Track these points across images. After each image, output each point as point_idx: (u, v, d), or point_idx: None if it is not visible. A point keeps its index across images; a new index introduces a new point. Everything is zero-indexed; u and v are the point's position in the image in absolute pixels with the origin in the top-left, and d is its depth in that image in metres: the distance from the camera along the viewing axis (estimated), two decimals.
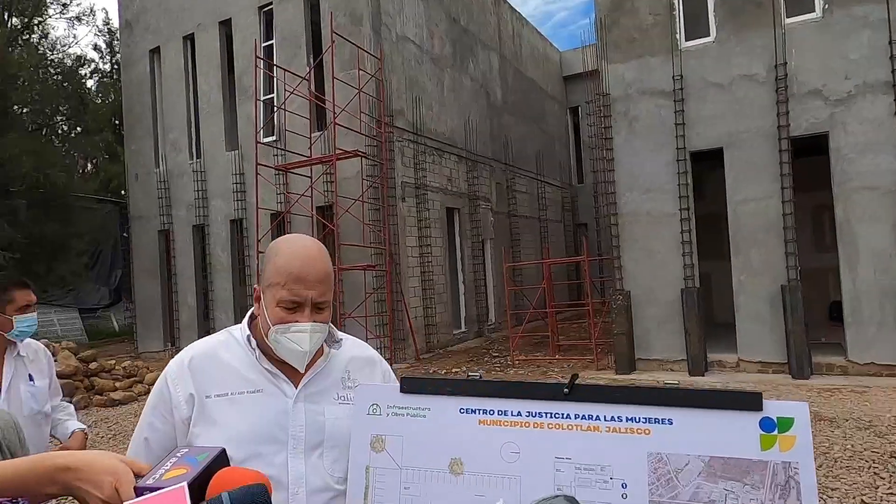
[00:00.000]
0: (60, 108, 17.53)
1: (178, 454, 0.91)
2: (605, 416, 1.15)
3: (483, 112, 15.13)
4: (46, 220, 14.35)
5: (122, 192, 17.44)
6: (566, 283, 18.02)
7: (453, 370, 9.77)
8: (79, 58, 18.31)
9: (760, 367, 7.96)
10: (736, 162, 8.14)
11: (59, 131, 19.46)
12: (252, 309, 1.39)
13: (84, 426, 2.64)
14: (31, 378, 2.28)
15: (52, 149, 16.22)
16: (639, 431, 1.12)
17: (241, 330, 1.37)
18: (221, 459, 0.91)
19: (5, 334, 2.18)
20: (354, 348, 1.47)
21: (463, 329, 13.48)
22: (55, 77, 16.71)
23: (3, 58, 14.16)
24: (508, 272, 11.36)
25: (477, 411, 1.21)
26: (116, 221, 19.60)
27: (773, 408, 1.07)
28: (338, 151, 10.75)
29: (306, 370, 1.34)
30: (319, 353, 1.36)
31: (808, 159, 9.34)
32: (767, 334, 7.89)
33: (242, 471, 0.90)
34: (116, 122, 20.67)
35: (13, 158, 13.67)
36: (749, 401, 1.08)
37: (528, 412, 1.19)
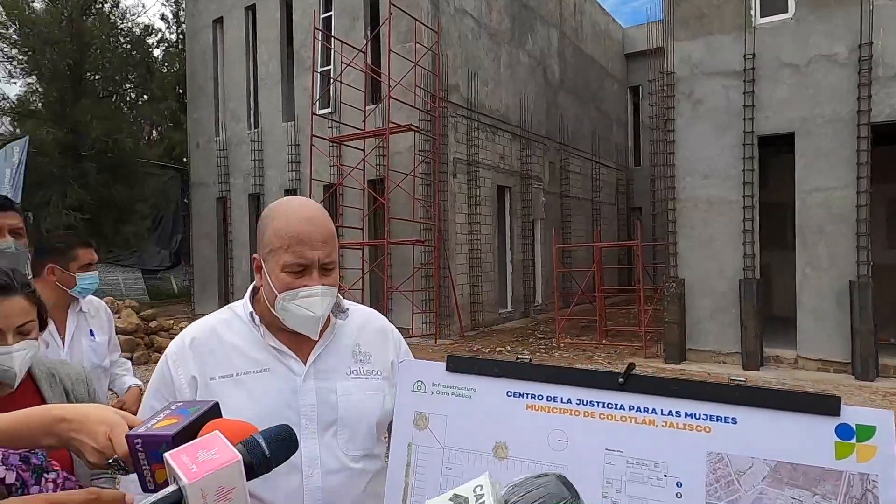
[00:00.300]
0: (129, 76, 18.15)
1: (172, 406, 0.89)
2: (661, 410, 1.08)
3: (539, 90, 14.79)
4: (114, 184, 15.01)
5: (185, 159, 18.02)
6: (616, 267, 17.64)
7: (497, 349, 9.75)
8: (146, 27, 18.84)
9: (820, 366, 7.59)
10: (808, 148, 7.67)
11: (128, 98, 20.20)
12: (254, 283, 1.32)
13: (140, 382, 2.74)
14: (91, 333, 2.36)
15: (121, 115, 16.89)
16: (699, 428, 1.05)
17: (244, 306, 1.28)
18: (213, 412, 0.89)
19: (68, 290, 2.26)
20: (363, 318, 1.39)
21: (509, 309, 13.41)
22: (124, 46, 17.29)
23: (77, 27, 14.75)
24: (558, 253, 11.18)
25: (525, 395, 1.17)
26: (178, 187, 20.32)
27: (853, 414, 0.98)
28: (391, 125, 10.74)
29: (312, 345, 1.27)
30: (326, 324, 1.28)
31: (888, 148, 8.72)
32: (831, 331, 7.49)
33: (232, 421, 0.88)
34: (181, 90, 21.26)
35: (85, 124, 14.32)
36: (825, 404, 0.99)
37: (580, 400, 1.13)
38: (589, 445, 1.10)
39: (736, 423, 1.03)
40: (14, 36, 14.59)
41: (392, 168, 11.03)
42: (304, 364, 1.25)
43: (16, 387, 1.38)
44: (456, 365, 1.22)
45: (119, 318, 9.63)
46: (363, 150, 11.61)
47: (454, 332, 11.27)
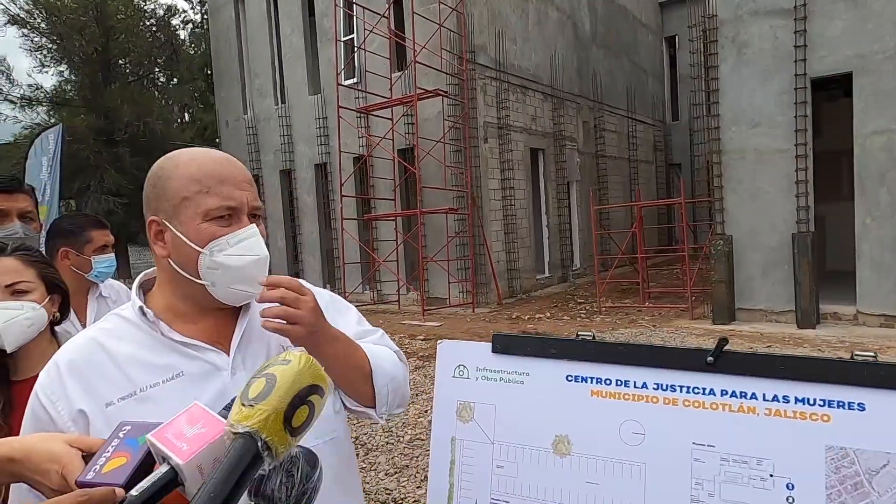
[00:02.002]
0: (156, 58, 18.22)
1: (120, 435, 0.78)
2: (764, 395, 0.87)
3: (570, 45, 14.18)
4: (148, 167, 15.16)
5: (216, 139, 18.09)
6: (656, 227, 17.10)
7: (537, 316, 9.56)
8: (169, 7, 18.84)
9: (884, 321, 7.15)
10: (867, 88, 7.09)
11: (157, 82, 20.34)
12: (139, 277, 1.06)
13: None
14: None
15: (151, 98, 17.00)
16: (814, 417, 0.84)
17: (132, 303, 1.01)
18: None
19: (85, 275, 2.15)
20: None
21: (546, 274, 13.15)
22: (150, 28, 17.31)
23: (101, 11, 14.78)
24: (596, 215, 10.82)
25: (589, 380, 0.97)
26: None
27: None
28: (418, 91, 10.45)
29: (232, 330, 1.01)
30: (234, 308, 1.03)
31: None
32: (895, 284, 7.03)
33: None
34: (208, 71, 21.30)
35: (116, 109, 14.46)
36: None
37: (657, 384, 0.93)
38: (672, 439, 0.91)
39: (864, 409, 0.81)
40: (42, 24, 14.72)
41: (421, 136, 10.77)
42: (228, 354, 0.99)
43: (9, 350, 1.27)
44: (504, 345, 1.03)
45: None
46: (391, 119, 11.37)
47: (492, 300, 11.11)
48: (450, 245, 10.89)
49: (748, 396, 0.88)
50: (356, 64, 12.38)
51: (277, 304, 0.94)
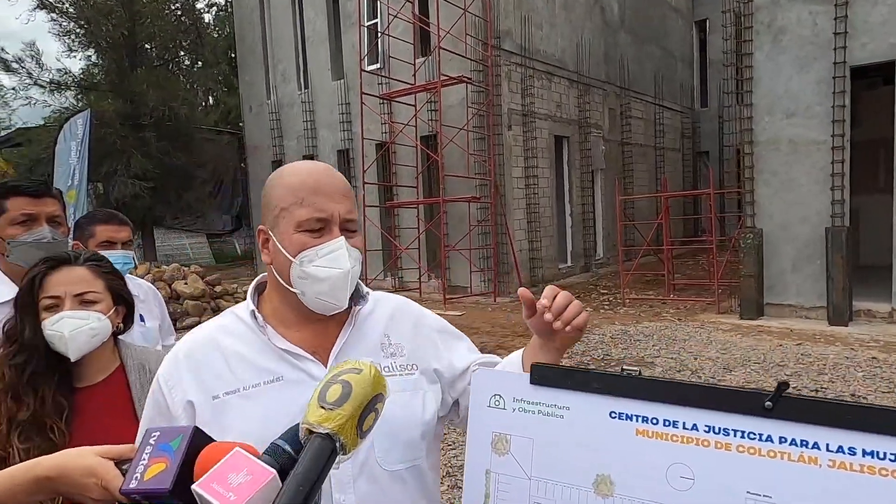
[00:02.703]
0: (182, 42, 18.30)
1: (151, 441, 0.81)
2: (828, 445, 0.80)
3: (597, 30, 13.88)
4: (174, 152, 15.33)
5: (240, 123, 18.20)
6: (682, 217, 16.81)
7: None
8: None
9: None
10: None
11: (182, 65, 20.45)
12: (256, 280, 1.12)
13: None
14: (141, 319, 2.25)
15: (176, 83, 17.12)
16: (883, 472, 0.77)
17: (246, 305, 1.07)
18: (197, 438, 0.82)
19: None
20: (391, 305, 1.16)
21: (569, 263, 13.03)
22: (175, 12, 17.37)
23: None
24: (621, 205, 10.64)
25: (635, 418, 0.92)
26: (235, 152, 20.67)
27: None
28: (442, 78, 10.33)
29: (333, 340, 1.05)
30: (345, 315, 1.08)
31: None
32: None
33: (223, 444, 0.82)
34: (232, 54, 21.37)
35: (142, 93, 14.58)
36: None
37: (709, 427, 0.87)
38: (724, 486, 0.85)
39: None
40: (70, 9, 14.85)
41: (444, 123, 10.67)
42: (325, 366, 1.03)
43: (73, 358, 1.30)
44: (543, 377, 0.98)
45: (186, 283, 9.93)
46: (414, 106, 11.28)
47: (513, 289, 11.03)
48: (472, 233, 10.83)
49: (810, 446, 0.81)
50: (380, 49, 12.29)
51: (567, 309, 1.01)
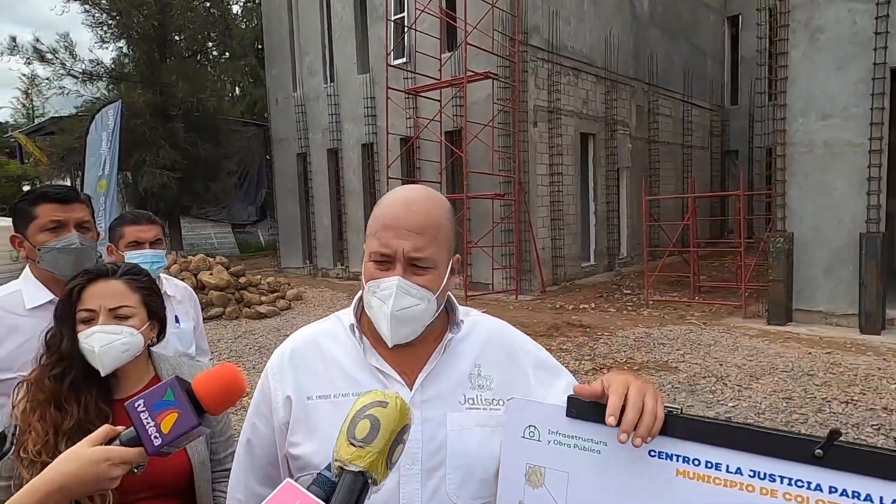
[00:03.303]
0: (210, 34, 18.45)
1: (140, 409, 0.91)
2: (881, 499, 0.77)
3: (626, 26, 13.66)
4: (201, 143, 15.51)
5: (266, 115, 18.34)
6: (709, 218, 16.53)
7: (581, 306, 9.40)
8: None
9: None
10: None
11: (210, 57, 20.64)
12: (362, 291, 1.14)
13: None
14: (177, 319, 2.26)
15: (204, 74, 17.28)
16: None
17: (349, 315, 1.11)
18: (182, 383, 0.94)
19: None
20: (488, 332, 1.14)
21: (592, 262, 12.91)
22: (204, 3, 17.51)
23: None
24: (647, 205, 10.48)
25: (675, 458, 0.89)
26: (261, 143, 20.85)
27: None
28: (468, 73, 10.27)
29: (423, 364, 1.05)
30: (435, 340, 1.07)
31: None
32: None
33: (209, 372, 0.97)
34: (259, 46, 21.52)
35: (171, 84, 14.76)
36: None
37: (754, 471, 0.84)
38: None
39: None
40: (103, 0, 15.08)
41: (469, 119, 10.62)
42: (410, 389, 1.04)
43: (103, 373, 1.31)
44: (580, 410, 0.95)
45: (211, 274, 10.06)
46: (439, 101, 11.25)
47: (535, 287, 10.99)
48: (494, 230, 10.79)
49: (862, 498, 0.78)
50: (406, 44, 12.26)
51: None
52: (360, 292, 1.11)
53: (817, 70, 7.36)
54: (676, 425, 0.89)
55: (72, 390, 1.28)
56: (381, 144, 12.71)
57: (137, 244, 2.13)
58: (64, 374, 1.29)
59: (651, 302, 9.46)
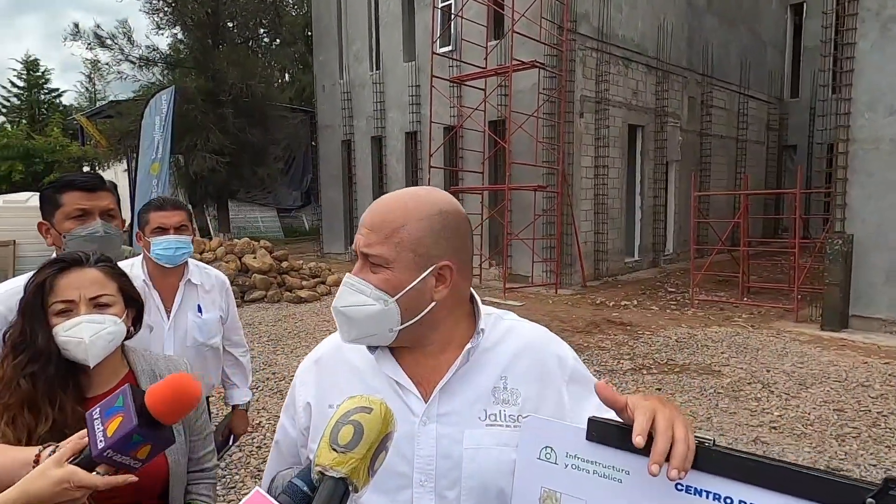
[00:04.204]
0: (262, 20, 18.74)
1: (96, 416, 0.92)
2: None
3: (681, 13, 13.16)
4: (250, 128, 15.81)
5: (313, 101, 18.54)
6: (762, 216, 15.87)
7: (622, 302, 9.17)
8: None
9: None
10: None
11: (261, 44, 20.99)
12: None
13: (249, 397, 2.61)
14: (199, 309, 2.26)
15: (255, 60, 17.58)
16: None
17: None
18: (136, 392, 0.94)
19: (150, 256, 2.15)
20: (520, 341, 1.04)
21: (636, 258, 12.59)
22: None
23: None
24: (696, 201, 10.11)
25: (706, 494, 0.80)
26: (307, 129, 21.13)
27: None
28: (514, 62, 10.09)
29: (440, 376, 0.98)
30: (457, 349, 1.00)
31: None
32: None
33: (162, 382, 0.95)
34: (309, 33, 21.75)
35: (223, 70, 15.07)
36: None
37: None
38: None
39: None
40: None
41: (514, 108, 10.46)
42: (426, 401, 0.98)
43: (91, 365, 1.25)
44: (601, 434, 0.88)
45: (255, 257, 10.27)
46: (484, 90, 11.11)
47: (575, 281, 10.79)
48: (536, 222, 10.63)
49: None
50: (452, 32, 12.14)
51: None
52: None
53: (888, 62, 6.90)
54: (708, 458, 0.81)
55: (46, 391, 1.20)
56: (424, 133, 12.67)
57: (162, 230, 2.11)
58: (39, 372, 1.21)
59: (696, 301, 9.15)
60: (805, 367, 5.84)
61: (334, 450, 0.72)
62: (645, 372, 5.71)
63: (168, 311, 2.20)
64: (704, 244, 12.11)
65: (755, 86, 16.06)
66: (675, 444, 0.76)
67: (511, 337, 1.05)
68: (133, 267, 2.12)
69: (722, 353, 6.37)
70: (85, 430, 0.93)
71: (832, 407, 4.77)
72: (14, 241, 11.86)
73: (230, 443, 2.61)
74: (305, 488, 0.75)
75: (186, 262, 2.23)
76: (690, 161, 13.67)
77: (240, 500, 0.80)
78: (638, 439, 0.77)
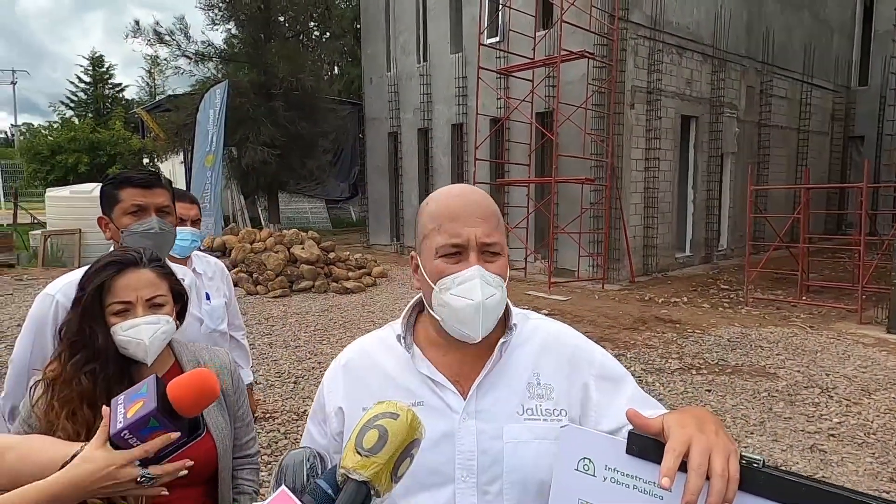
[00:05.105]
0: (312, 14, 19.00)
1: (120, 401, 0.96)
2: None
3: None
4: (299, 121, 16.11)
5: (361, 94, 18.72)
6: (824, 211, 15.13)
7: (672, 300, 8.92)
8: None
9: None
10: None
11: (312, 37, 21.30)
12: (416, 299, 1.11)
13: (250, 380, 2.70)
14: (207, 297, 2.31)
15: (305, 54, 17.87)
16: None
17: (398, 325, 1.08)
18: (160, 383, 0.96)
19: None
20: (546, 336, 1.07)
21: (687, 253, 12.21)
22: None
23: None
24: (752, 196, 9.70)
25: None
26: (356, 122, 21.38)
27: None
28: (562, 52, 9.90)
29: (479, 370, 1.00)
30: (490, 345, 1.01)
31: None
32: None
33: (184, 376, 0.99)
34: (357, 26, 21.93)
35: (273, 64, 15.39)
36: None
37: None
38: None
39: None
40: None
41: (562, 100, 10.27)
42: (464, 398, 1.00)
43: (149, 363, 1.33)
44: (641, 448, 0.84)
45: (303, 248, 10.48)
46: (531, 81, 10.95)
47: (623, 277, 10.56)
48: (583, 216, 10.44)
49: None
50: (500, 22, 12.00)
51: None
52: (412, 302, 1.11)
53: None
54: (757, 480, 0.76)
55: (105, 387, 1.26)
56: (470, 125, 12.61)
57: (181, 221, 2.19)
58: (98, 370, 1.27)
59: (751, 300, 8.80)
60: (868, 371, 5.53)
61: (358, 453, 0.73)
62: (694, 372, 5.54)
63: None
64: (761, 240, 11.64)
65: (819, 74, 15.25)
66: (711, 478, 0.71)
67: (537, 334, 1.08)
68: None
69: (777, 354, 6.11)
70: (108, 417, 0.98)
71: None
72: (80, 229, 12.50)
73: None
74: (329, 490, 0.76)
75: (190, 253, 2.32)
76: (747, 153, 13.12)
77: (265, 496, 0.82)
78: (664, 481, 0.73)
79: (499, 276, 0.98)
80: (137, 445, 0.94)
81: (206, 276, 2.36)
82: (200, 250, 2.50)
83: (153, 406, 0.92)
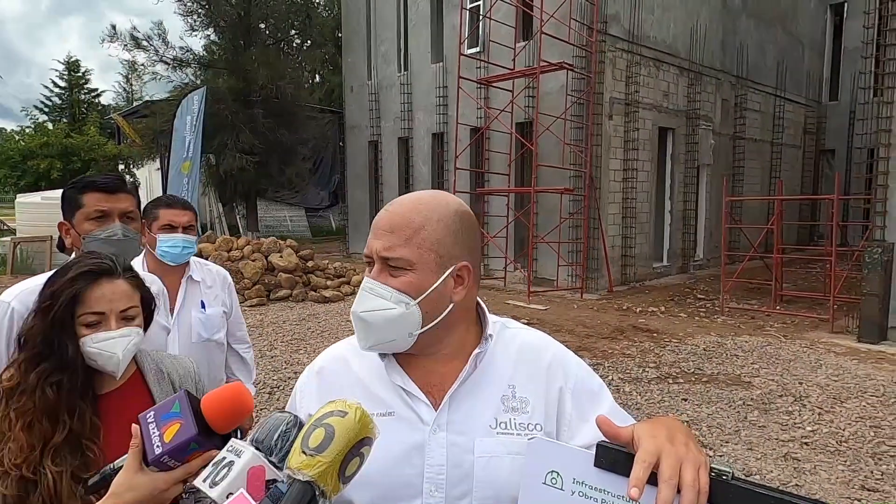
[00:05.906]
0: (293, 22, 18.95)
1: (150, 420, 0.93)
2: None
3: (715, 13, 12.87)
4: (279, 128, 16.01)
5: (342, 102, 18.69)
6: (797, 222, 15.43)
7: (650, 309, 8.99)
8: None
9: None
10: None
11: (292, 45, 21.23)
12: None
13: (253, 388, 2.63)
14: (203, 305, 2.26)
15: (284, 61, 17.79)
16: None
17: None
18: (191, 398, 0.95)
19: (154, 253, 2.15)
20: (522, 346, 1.04)
21: (664, 263, 12.35)
22: None
23: None
24: (728, 206, 9.86)
25: None
26: (336, 130, 21.33)
27: None
28: (542, 63, 9.99)
29: (449, 384, 0.97)
30: (465, 356, 0.99)
31: None
32: None
33: (218, 391, 0.97)
34: (338, 34, 21.91)
35: (253, 71, 15.29)
36: None
37: None
38: None
39: None
40: None
41: (541, 111, 10.35)
42: (436, 409, 0.97)
43: (119, 376, 1.29)
44: (611, 461, 0.82)
45: (281, 256, 10.36)
46: (511, 92, 11.03)
47: (601, 286, 10.63)
48: (562, 226, 10.50)
49: None
50: (480, 32, 12.09)
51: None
52: None
53: None
54: (727, 493, 0.74)
55: (68, 400, 1.20)
56: (450, 134, 12.65)
57: (171, 227, 2.13)
58: (66, 382, 1.21)
59: (726, 309, 8.92)
60: (840, 380, 5.62)
61: (304, 452, 0.72)
62: (671, 381, 5.57)
63: (172, 309, 2.20)
64: (736, 250, 11.82)
65: (792, 88, 15.63)
66: (682, 489, 0.70)
67: (514, 344, 1.05)
68: (133, 264, 2.12)
69: (752, 363, 6.18)
70: (139, 438, 0.94)
71: (868, 423, 4.57)
72: (51, 236, 12.22)
73: (238, 437, 2.61)
74: (286, 490, 0.74)
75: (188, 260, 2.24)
76: (723, 165, 13.35)
77: None
78: (633, 492, 0.71)
79: (398, 292, 0.93)
80: (176, 466, 0.93)
81: (204, 283, 2.29)
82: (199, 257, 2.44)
83: (194, 432, 0.90)
